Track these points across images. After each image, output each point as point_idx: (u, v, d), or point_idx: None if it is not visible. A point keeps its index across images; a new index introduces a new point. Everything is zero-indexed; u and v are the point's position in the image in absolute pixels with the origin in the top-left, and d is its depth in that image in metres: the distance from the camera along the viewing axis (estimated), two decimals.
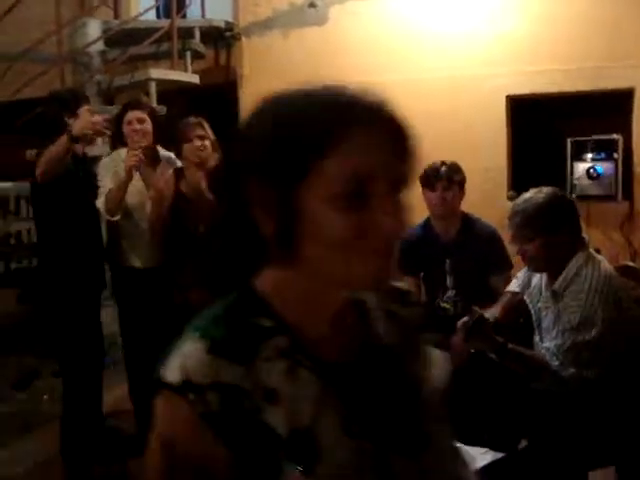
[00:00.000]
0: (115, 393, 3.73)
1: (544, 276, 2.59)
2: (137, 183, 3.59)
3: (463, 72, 4.67)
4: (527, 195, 2.51)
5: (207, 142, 3.49)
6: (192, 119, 3.52)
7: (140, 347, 3.70)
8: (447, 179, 3.18)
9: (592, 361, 2.39)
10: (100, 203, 3.56)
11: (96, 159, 4.65)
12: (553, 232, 2.44)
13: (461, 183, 3.22)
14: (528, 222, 2.45)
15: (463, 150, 3.56)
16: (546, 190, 2.49)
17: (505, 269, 3.17)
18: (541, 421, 2.43)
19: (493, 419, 2.62)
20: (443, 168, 3.20)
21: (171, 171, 3.59)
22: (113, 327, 4.17)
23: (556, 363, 2.43)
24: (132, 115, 3.57)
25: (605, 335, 2.34)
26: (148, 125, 3.58)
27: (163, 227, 3.52)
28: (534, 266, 2.58)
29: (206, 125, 3.52)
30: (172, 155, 3.76)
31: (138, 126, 3.55)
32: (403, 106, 3.62)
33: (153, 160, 3.67)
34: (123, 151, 3.64)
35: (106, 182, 3.59)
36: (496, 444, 2.36)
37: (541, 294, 2.61)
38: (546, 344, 2.50)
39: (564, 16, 4.44)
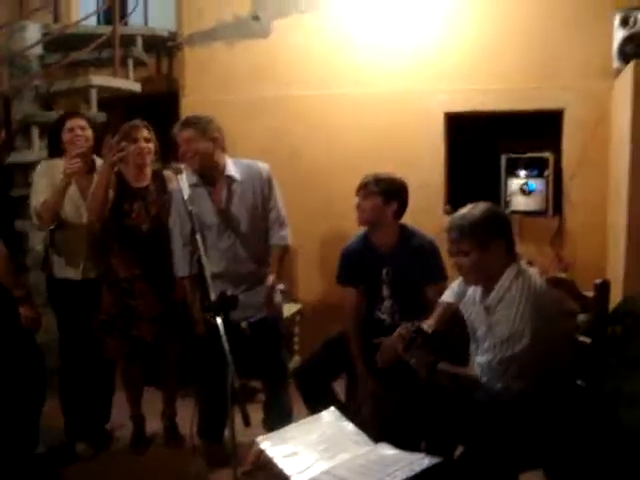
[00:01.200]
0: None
1: (478, 289, 2.66)
2: (73, 194, 3.57)
3: (403, 87, 4.76)
4: (463, 210, 2.58)
5: (151, 145, 3.53)
6: (138, 121, 3.54)
7: (76, 357, 3.66)
8: (365, 188, 3.28)
9: (520, 374, 2.46)
10: (33, 212, 3.52)
11: (30, 165, 4.60)
12: (487, 247, 2.51)
13: (386, 194, 3.26)
14: (463, 237, 2.52)
15: (401, 165, 3.63)
16: (481, 206, 2.56)
17: (440, 280, 3.25)
18: (476, 428, 2.50)
19: (429, 427, 2.68)
20: (366, 178, 3.30)
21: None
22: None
23: (485, 379, 2.50)
24: (74, 122, 3.59)
25: (534, 347, 2.41)
26: (89, 132, 3.60)
27: (102, 234, 3.51)
28: (469, 279, 2.64)
29: (150, 129, 3.56)
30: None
31: (80, 132, 3.55)
32: (343, 120, 3.76)
33: (90, 169, 3.66)
34: (59, 162, 3.60)
35: (39, 190, 3.56)
36: (433, 451, 2.42)
37: (475, 306, 2.68)
38: (478, 359, 2.57)
39: (502, 36, 4.58)
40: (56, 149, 3.65)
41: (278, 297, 3.57)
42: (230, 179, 3.37)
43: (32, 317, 3.26)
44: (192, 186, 3.13)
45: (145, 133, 3.52)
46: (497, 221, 2.55)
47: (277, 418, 3.31)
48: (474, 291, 2.69)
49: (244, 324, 2.95)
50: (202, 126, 3.30)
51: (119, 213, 3.50)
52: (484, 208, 2.56)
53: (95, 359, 3.71)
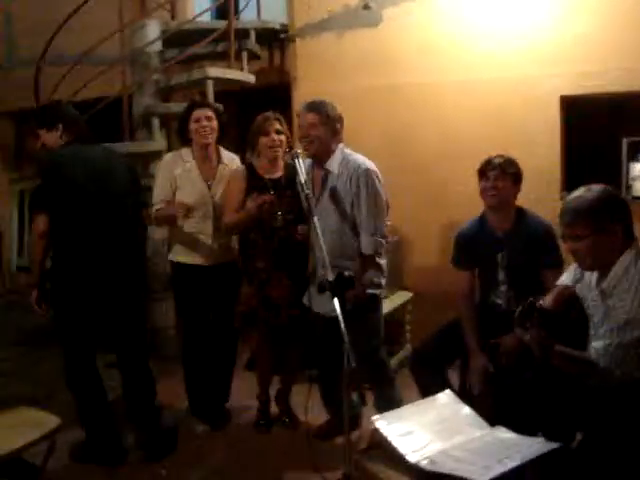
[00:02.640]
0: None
1: (594, 273, 2.59)
2: (196, 179, 3.69)
3: (517, 72, 4.65)
4: (577, 193, 2.51)
5: (283, 137, 3.59)
6: (270, 114, 3.61)
7: (199, 340, 3.81)
8: (500, 169, 3.24)
9: (638, 361, 2.38)
10: (151, 211, 3.69)
11: (151, 155, 4.80)
12: (603, 231, 2.43)
13: (515, 177, 3.26)
14: (579, 220, 2.44)
15: (516, 150, 3.53)
16: (596, 188, 2.48)
17: (556, 266, 3.16)
18: (597, 416, 2.42)
19: (548, 414, 2.62)
20: (497, 159, 3.26)
21: (242, 168, 3.69)
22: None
23: (605, 363, 2.43)
24: (201, 112, 3.69)
25: None
26: (215, 123, 3.70)
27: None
28: (585, 264, 2.56)
29: (283, 121, 3.62)
30: (235, 157, 3.87)
31: (206, 122, 3.66)
32: (457, 107, 3.73)
33: (215, 159, 3.78)
34: (185, 151, 3.75)
35: (159, 188, 3.71)
36: (550, 437, 2.37)
37: (591, 290, 2.61)
38: (594, 343, 2.50)
39: (619, 14, 4.38)
40: (184, 137, 3.78)
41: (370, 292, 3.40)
42: (327, 170, 3.40)
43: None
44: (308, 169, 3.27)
45: (277, 125, 3.57)
46: (613, 204, 2.46)
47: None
48: (590, 275, 2.62)
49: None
50: (326, 113, 3.34)
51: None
52: (599, 190, 2.47)
53: (218, 341, 3.85)
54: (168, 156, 3.86)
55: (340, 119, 3.41)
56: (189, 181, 3.69)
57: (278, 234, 3.56)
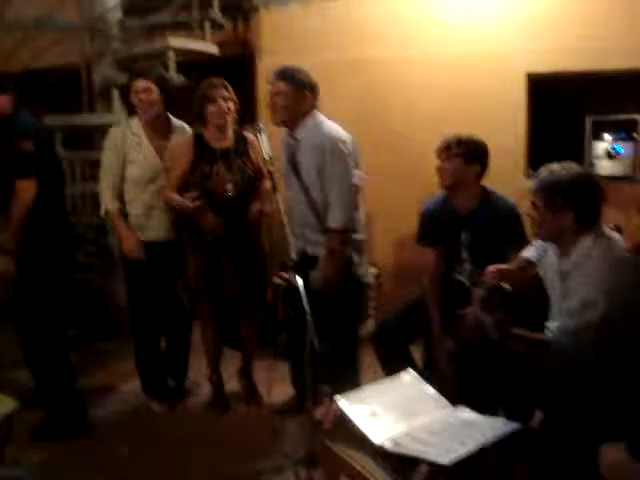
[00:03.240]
0: None
1: (555, 254, 2.61)
2: (149, 154, 3.60)
3: (484, 47, 4.63)
4: (555, 167, 2.53)
5: (231, 104, 3.50)
6: (216, 80, 3.52)
7: (148, 317, 3.74)
8: (447, 149, 3.21)
9: (593, 344, 2.40)
10: (104, 194, 3.62)
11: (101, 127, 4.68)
12: (555, 211, 2.48)
13: (468, 156, 3.20)
14: (539, 191, 2.51)
15: (481, 127, 3.51)
16: (574, 170, 2.52)
17: (521, 246, 3.16)
18: (554, 395, 2.44)
19: (507, 393, 2.63)
20: (449, 139, 3.23)
21: (190, 135, 3.60)
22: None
23: (558, 345, 2.44)
24: (138, 85, 3.57)
25: (609, 317, 2.35)
26: (154, 94, 3.56)
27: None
28: (535, 233, 2.66)
29: (229, 87, 3.52)
30: (184, 125, 3.77)
31: (143, 95, 3.55)
32: (424, 81, 3.67)
33: (166, 129, 3.68)
34: (133, 121, 3.65)
35: (108, 162, 3.62)
36: (511, 417, 2.39)
37: (551, 270, 2.64)
38: (550, 324, 2.52)
39: None
40: (130, 107, 3.70)
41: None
42: (295, 139, 3.36)
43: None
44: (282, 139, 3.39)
45: (223, 92, 3.48)
46: (576, 189, 2.48)
47: None
48: (553, 255, 2.65)
49: None
50: (297, 80, 3.31)
51: (201, 176, 3.47)
52: (574, 174, 2.50)
53: (171, 319, 3.79)
54: (115, 130, 3.71)
55: (312, 86, 3.37)
56: (140, 154, 3.59)
57: (228, 205, 3.48)
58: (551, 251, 2.67)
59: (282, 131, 3.48)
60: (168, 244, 3.67)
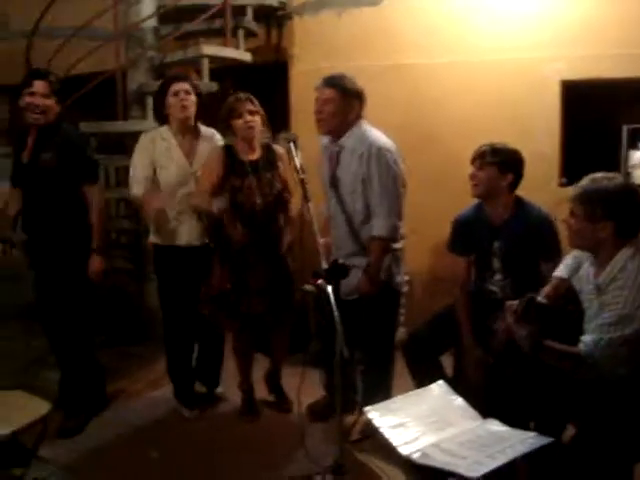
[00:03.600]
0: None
1: (592, 267, 2.58)
2: (178, 159, 3.64)
3: (518, 55, 4.59)
4: (599, 176, 2.50)
5: (257, 117, 3.52)
6: (242, 95, 3.54)
7: (180, 324, 3.76)
8: (480, 158, 3.19)
9: (627, 358, 2.37)
10: (136, 192, 3.66)
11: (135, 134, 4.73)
12: (594, 221, 2.44)
13: (503, 165, 3.16)
14: (579, 200, 2.47)
15: (515, 135, 3.50)
16: (618, 182, 2.49)
17: (554, 257, 3.12)
18: (588, 409, 2.41)
19: (539, 406, 2.60)
20: (483, 148, 3.21)
21: (220, 148, 3.63)
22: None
23: (592, 358, 2.40)
24: (179, 86, 3.60)
25: None
26: (192, 97, 3.62)
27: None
28: (572, 242, 2.60)
29: (255, 101, 3.54)
30: (215, 132, 3.79)
31: (183, 96, 3.58)
32: (457, 88, 3.65)
33: (195, 134, 3.71)
34: (164, 129, 3.68)
35: (139, 168, 3.66)
36: (542, 430, 2.36)
37: (587, 284, 2.59)
38: (584, 337, 2.47)
39: (623, 0, 4.32)
40: (160, 114, 3.71)
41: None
42: (341, 147, 3.36)
43: (96, 270, 3.50)
44: (324, 147, 3.44)
45: (249, 106, 3.49)
46: (618, 203, 2.44)
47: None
48: (587, 268, 2.61)
49: None
50: (343, 88, 3.32)
51: (231, 189, 3.48)
52: (617, 185, 2.47)
53: (204, 326, 3.81)
54: (146, 135, 3.75)
55: (359, 94, 3.39)
56: (170, 159, 3.62)
57: (256, 216, 3.49)
58: (587, 264, 2.63)
59: (316, 141, 3.50)
60: (199, 249, 3.68)
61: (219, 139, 3.76)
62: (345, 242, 3.41)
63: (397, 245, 3.43)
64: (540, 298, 2.60)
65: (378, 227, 3.30)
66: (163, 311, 3.80)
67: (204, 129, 3.77)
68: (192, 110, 3.63)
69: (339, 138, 3.38)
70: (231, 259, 3.53)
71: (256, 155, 3.58)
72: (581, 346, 2.46)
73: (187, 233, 3.67)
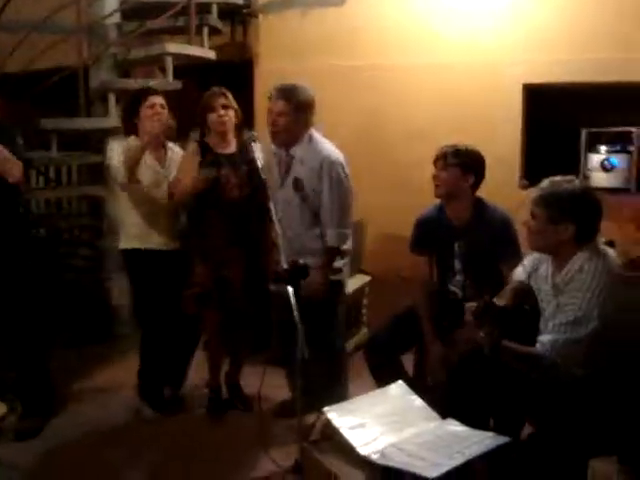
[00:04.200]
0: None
1: (550, 266, 2.62)
2: (152, 164, 3.62)
3: (481, 58, 4.65)
4: (561, 178, 2.56)
5: (231, 112, 3.53)
6: (216, 89, 3.55)
7: (152, 327, 3.73)
8: (443, 159, 3.21)
9: (584, 359, 2.42)
10: (117, 174, 3.57)
11: (106, 132, 4.67)
12: (555, 223, 2.49)
13: (464, 167, 3.18)
14: (540, 202, 2.52)
15: (476, 137, 3.50)
16: (578, 185, 2.56)
17: (514, 258, 3.15)
18: (545, 408, 2.44)
19: (498, 405, 2.63)
20: (445, 149, 3.23)
21: (194, 143, 3.61)
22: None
23: (551, 357, 2.45)
24: (156, 99, 3.60)
25: (599, 334, 2.38)
26: (166, 111, 3.62)
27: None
28: (531, 243, 2.64)
29: (229, 95, 3.54)
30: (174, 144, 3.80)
31: (160, 110, 3.59)
32: (420, 90, 3.68)
33: (160, 143, 3.70)
34: (132, 139, 3.64)
35: (115, 150, 3.60)
36: (501, 429, 2.39)
37: (545, 284, 2.64)
38: (542, 337, 2.52)
39: (584, 5, 4.40)
40: (130, 124, 3.65)
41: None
42: (291, 156, 3.38)
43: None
44: (273, 153, 3.42)
45: (223, 100, 3.50)
46: (580, 206, 2.50)
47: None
48: (546, 268, 2.65)
49: None
50: (296, 100, 3.32)
51: (207, 182, 3.45)
52: (578, 189, 2.54)
53: (178, 328, 3.78)
54: (115, 142, 3.72)
55: (311, 105, 3.39)
56: (142, 163, 3.57)
57: (234, 210, 3.49)
58: (545, 265, 2.67)
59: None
60: (172, 253, 3.66)
61: (179, 150, 3.78)
62: (300, 241, 3.42)
63: (345, 246, 3.46)
64: (497, 300, 2.63)
65: (330, 237, 3.36)
66: (138, 316, 3.77)
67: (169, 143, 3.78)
68: (164, 124, 3.60)
69: (289, 147, 3.39)
70: (211, 256, 3.51)
71: (231, 149, 3.59)
72: (538, 346, 2.50)
73: (160, 235, 3.64)
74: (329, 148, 3.39)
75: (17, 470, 3.10)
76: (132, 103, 3.68)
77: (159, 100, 3.61)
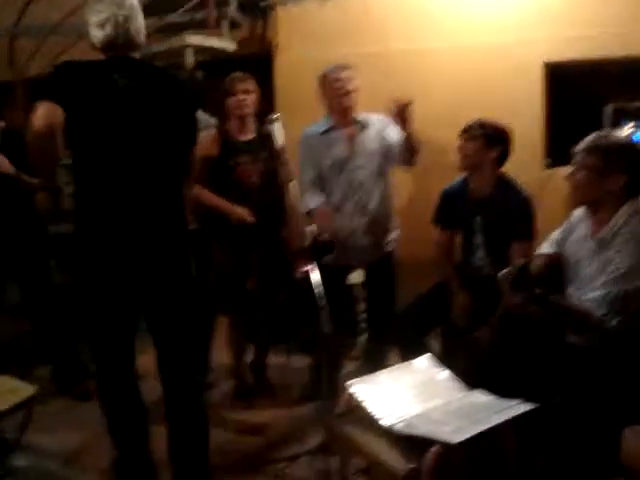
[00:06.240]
0: None
1: (587, 226, 2.58)
2: None
3: (499, 38, 4.60)
4: (605, 132, 2.62)
5: (251, 96, 3.53)
6: (237, 74, 3.56)
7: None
8: (466, 132, 3.22)
9: (636, 312, 2.37)
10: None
11: None
12: (607, 175, 2.45)
13: (488, 139, 3.19)
14: (594, 152, 2.48)
15: (499, 117, 3.47)
16: (628, 137, 2.54)
17: (526, 238, 3.13)
18: (576, 376, 2.41)
19: (530, 374, 2.60)
20: (471, 122, 3.22)
21: (214, 129, 3.62)
22: None
23: (601, 313, 2.39)
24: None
25: None
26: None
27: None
28: (576, 197, 2.58)
29: (251, 80, 3.55)
30: (209, 118, 3.79)
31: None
32: (440, 73, 3.66)
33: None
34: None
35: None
36: (532, 398, 2.35)
37: (585, 242, 2.58)
38: (590, 295, 2.46)
39: None
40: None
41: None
42: (362, 124, 3.61)
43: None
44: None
45: (243, 85, 3.52)
46: (632, 157, 2.47)
47: None
48: (584, 229, 2.61)
49: None
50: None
51: (226, 169, 3.49)
52: (629, 140, 2.50)
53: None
54: None
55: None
56: None
57: (255, 196, 3.50)
58: (581, 226, 2.64)
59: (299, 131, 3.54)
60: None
61: (213, 122, 3.76)
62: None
63: None
64: (533, 266, 2.60)
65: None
66: None
67: (203, 117, 3.68)
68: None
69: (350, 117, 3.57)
70: (230, 241, 3.52)
71: (250, 135, 3.59)
72: (587, 304, 2.45)
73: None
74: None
75: (42, 456, 3.13)
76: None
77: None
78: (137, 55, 2.59)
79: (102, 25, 2.47)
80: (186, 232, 2.64)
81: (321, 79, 3.53)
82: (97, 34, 2.49)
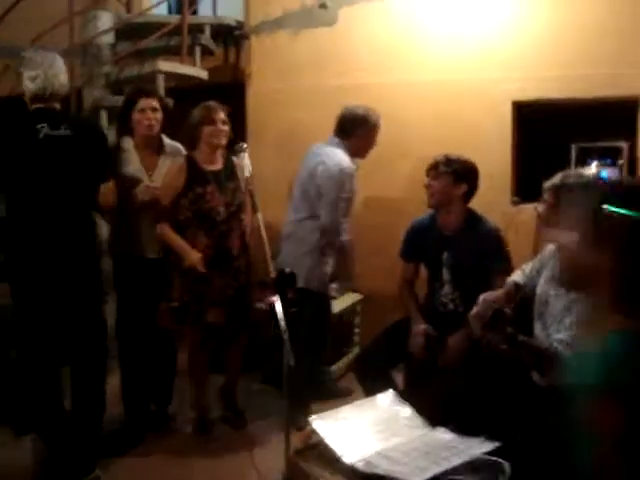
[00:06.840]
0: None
1: (557, 266, 2.57)
2: (139, 172, 3.59)
3: (470, 75, 4.67)
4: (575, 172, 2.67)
5: (227, 128, 3.53)
6: (213, 103, 3.54)
7: (136, 339, 3.68)
8: (434, 168, 3.22)
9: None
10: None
11: None
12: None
13: (456, 175, 3.20)
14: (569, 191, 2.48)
15: (467, 154, 3.51)
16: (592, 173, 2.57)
17: (505, 270, 3.14)
18: (537, 416, 2.40)
19: (494, 412, 2.59)
20: (437, 158, 3.23)
21: (182, 158, 3.60)
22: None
23: (563, 356, 2.37)
24: (146, 103, 3.55)
25: None
26: (159, 114, 3.58)
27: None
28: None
29: (225, 110, 3.57)
30: (181, 148, 3.76)
31: (151, 114, 3.54)
32: (409, 108, 3.69)
33: (157, 149, 3.67)
34: (126, 139, 3.62)
35: None
36: (494, 436, 2.34)
37: (553, 281, 2.58)
38: (558, 335, 2.47)
39: (572, 22, 4.43)
40: (125, 127, 3.65)
41: None
42: None
43: None
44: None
45: (222, 115, 3.51)
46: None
47: None
48: (553, 268, 2.61)
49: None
50: None
51: (193, 197, 3.47)
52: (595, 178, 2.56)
53: (158, 342, 3.73)
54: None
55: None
56: (129, 168, 3.56)
57: (219, 227, 3.49)
58: (551, 264, 2.64)
59: (271, 161, 3.52)
60: (156, 260, 3.62)
61: (182, 150, 3.74)
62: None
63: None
64: (506, 309, 2.59)
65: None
66: (119, 330, 3.71)
67: (170, 143, 3.73)
68: (157, 128, 3.60)
69: None
70: (191, 270, 3.47)
71: (218, 166, 3.58)
72: (555, 344, 2.44)
73: (146, 245, 3.61)
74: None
75: None
76: (124, 108, 3.66)
77: (150, 103, 3.56)
78: (58, 106, 3.14)
79: (33, 79, 3.04)
80: (94, 250, 3.29)
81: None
82: (29, 86, 3.06)
